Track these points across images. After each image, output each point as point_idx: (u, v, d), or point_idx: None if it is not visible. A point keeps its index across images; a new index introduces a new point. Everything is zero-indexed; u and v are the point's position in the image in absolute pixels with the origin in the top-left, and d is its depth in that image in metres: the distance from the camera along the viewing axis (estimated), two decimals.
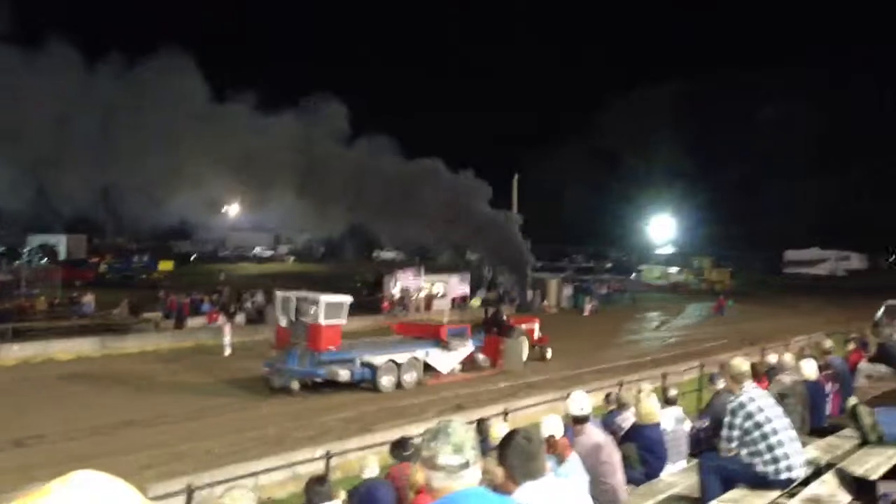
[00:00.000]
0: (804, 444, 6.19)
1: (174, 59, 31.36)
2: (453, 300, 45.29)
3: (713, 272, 67.34)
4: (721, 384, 9.99)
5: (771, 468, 5.37)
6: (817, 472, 5.76)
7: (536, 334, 28.82)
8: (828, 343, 12.53)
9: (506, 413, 13.63)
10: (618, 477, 6.52)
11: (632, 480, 7.01)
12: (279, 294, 25.16)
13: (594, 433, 6.77)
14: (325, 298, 23.03)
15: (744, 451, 5.51)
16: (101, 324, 31.13)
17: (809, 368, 9.81)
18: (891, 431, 6.18)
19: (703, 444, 8.89)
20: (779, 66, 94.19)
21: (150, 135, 29.83)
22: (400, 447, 8.15)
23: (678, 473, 7.21)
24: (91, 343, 27.57)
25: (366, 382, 21.79)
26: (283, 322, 23.48)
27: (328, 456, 10.74)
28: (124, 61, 30.83)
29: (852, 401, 7.48)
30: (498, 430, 8.05)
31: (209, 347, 29.31)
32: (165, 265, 54.29)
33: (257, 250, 70.94)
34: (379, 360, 22.14)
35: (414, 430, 11.52)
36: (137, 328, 31.54)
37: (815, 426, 8.64)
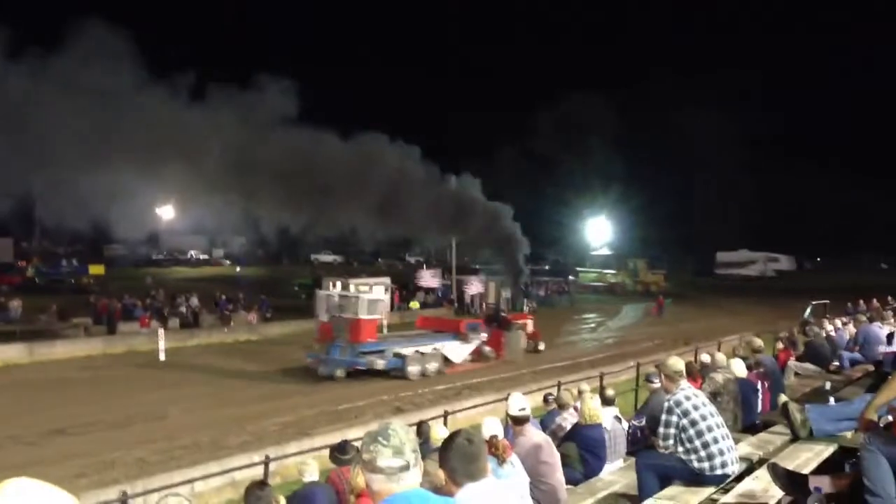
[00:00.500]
0: (737, 441, 6.32)
1: (104, 41, 29.68)
2: (392, 302, 45.31)
3: (648, 274, 68.61)
4: (657, 383, 10.16)
5: (706, 465, 5.47)
6: (750, 468, 5.89)
7: (530, 329, 31.92)
8: (758, 342, 12.81)
9: (446, 415, 13.61)
10: (557, 476, 6.57)
11: (571, 480, 7.07)
12: (321, 292, 29.01)
13: (534, 434, 6.81)
14: (366, 296, 26.87)
15: (679, 449, 5.60)
16: (28, 330, 30.18)
17: (739, 367, 10.05)
18: (819, 427, 6.35)
19: (640, 443, 9.03)
20: (711, 72, 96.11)
21: (74, 128, 28.36)
22: (340, 451, 8.08)
23: (616, 472, 7.30)
24: (18, 350, 26.79)
25: (396, 371, 24.45)
26: (325, 317, 26.61)
27: (267, 461, 10.57)
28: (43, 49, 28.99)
29: (782, 398, 7.68)
30: (438, 432, 8.04)
31: (142, 353, 28.73)
32: (96, 269, 52.87)
33: (192, 254, 69.62)
34: (407, 351, 25.19)
35: (354, 434, 11.45)
36: (66, 334, 30.67)
37: (747, 423, 8.84)
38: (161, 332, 29.07)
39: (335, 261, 76.35)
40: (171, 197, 48.60)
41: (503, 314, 31.95)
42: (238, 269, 69.78)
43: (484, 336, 28.95)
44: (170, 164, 30.42)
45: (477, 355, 28.39)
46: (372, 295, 27.56)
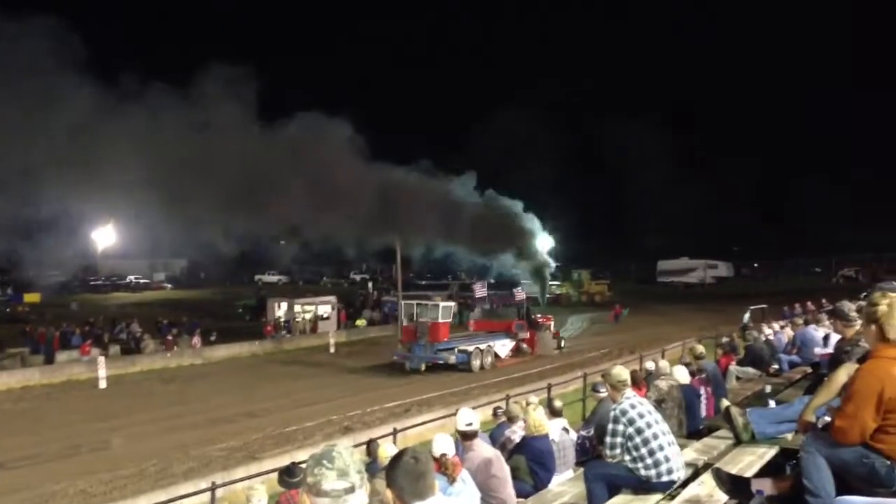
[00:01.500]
0: (682, 447, 6.42)
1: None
2: (339, 321, 45.12)
3: (592, 284, 69.31)
4: (603, 393, 10.26)
5: (653, 472, 5.54)
6: (695, 473, 5.98)
7: (552, 329, 37.00)
8: (700, 348, 13.03)
9: (395, 433, 13.54)
10: (508, 490, 6.57)
11: (521, 493, 7.07)
12: (405, 302, 34.47)
13: (483, 448, 6.80)
14: (443, 304, 33.03)
15: (627, 457, 5.66)
16: None
17: (682, 374, 10.21)
18: (761, 430, 6.47)
19: (588, 453, 9.10)
20: (647, 81, 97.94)
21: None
22: (288, 474, 7.97)
23: (566, 483, 7.32)
24: None
25: (463, 365, 29.43)
26: (406, 322, 32.56)
27: (213, 488, 10.38)
28: None
29: (725, 403, 7.80)
30: (387, 451, 8.00)
31: (82, 381, 28.01)
32: (31, 297, 51.49)
33: (132, 278, 68.02)
34: (470, 348, 30.40)
35: (302, 456, 11.30)
36: (2, 365, 29.70)
37: (691, 429, 8.98)
38: (101, 359, 28.38)
39: (280, 281, 75.43)
40: (109, 218, 47.56)
41: (536, 316, 37.13)
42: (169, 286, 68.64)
43: (524, 335, 34.40)
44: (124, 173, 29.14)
45: (515, 351, 33.58)
46: (447, 303, 33.92)
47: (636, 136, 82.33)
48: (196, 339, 36.65)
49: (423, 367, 29.84)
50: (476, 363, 29.99)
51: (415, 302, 33.94)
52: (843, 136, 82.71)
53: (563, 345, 36.08)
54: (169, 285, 70.83)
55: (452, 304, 35.56)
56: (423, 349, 30.28)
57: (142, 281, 68.13)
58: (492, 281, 71.49)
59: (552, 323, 37.32)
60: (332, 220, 37.13)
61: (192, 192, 31.64)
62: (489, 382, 26.12)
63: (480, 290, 47.94)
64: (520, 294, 44.53)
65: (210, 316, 44.87)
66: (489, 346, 31.57)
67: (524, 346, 34.25)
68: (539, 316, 37.71)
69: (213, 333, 38.24)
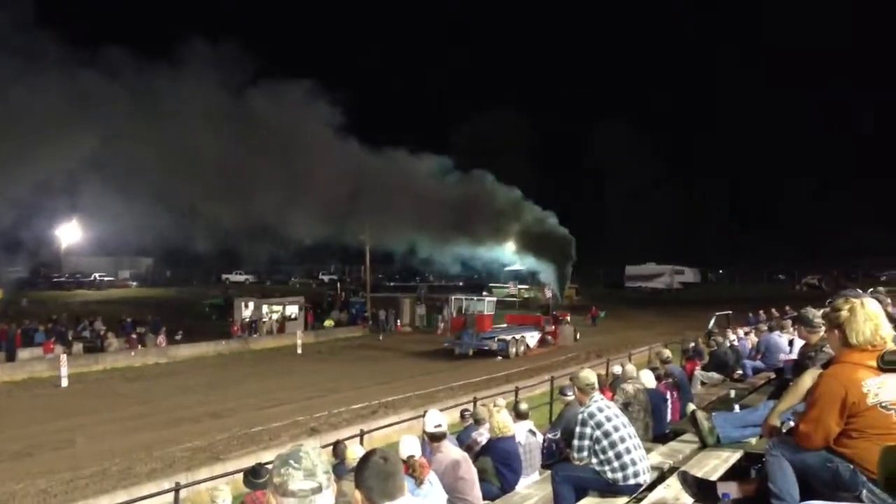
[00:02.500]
0: (648, 451, 6.46)
1: None
2: (306, 321, 44.95)
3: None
4: (570, 396, 10.31)
5: (619, 475, 5.57)
6: (661, 476, 6.01)
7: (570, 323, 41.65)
8: (667, 353, 13.17)
9: (362, 434, 13.48)
10: (475, 492, 6.57)
11: (488, 495, 7.08)
12: (454, 297, 41.67)
13: (451, 450, 6.80)
14: (488, 299, 40.71)
15: (594, 460, 5.68)
16: None
17: (649, 378, 10.30)
18: (726, 434, 6.53)
19: (555, 456, 9.13)
20: (620, 86, 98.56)
21: None
22: (253, 474, 7.90)
23: (533, 485, 7.33)
24: None
25: (502, 352, 33.90)
26: (455, 314, 39.26)
27: (177, 488, 10.25)
28: None
29: (691, 407, 7.87)
30: (354, 452, 7.96)
31: (44, 379, 27.56)
32: None
33: (96, 276, 66.94)
34: (508, 337, 35.17)
35: (268, 457, 11.20)
36: None
37: (657, 432, 9.05)
38: (64, 357, 27.93)
39: (247, 280, 74.74)
40: (73, 214, 46.81)
41: (556, 312, 41.75)
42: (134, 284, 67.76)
43: (550, 328, 39.12)
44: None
45: (541, 342, 37.83)
46: (491, 299, 41.49)
47: (609, 140, 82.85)
48: (161, 338, 36.22)
49: (470, 353, 34.35)
50: (513, 350, 34.67)
51: (463, 297, 41.42)
52: (814, 143, 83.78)
53: (578, 337, 40.65)
54: (134, 283, 69.85)
55: (495, 299, 42.79)
56: (470, 337, 35.13)
57: (106, 278, 67.08)
58: (461, 283, 71.68)
59: (568, 318, 42.19)
60: (300, 202, 36.91)
61: (159, 176, 31.15)
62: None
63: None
64: (548, 292, 51.14)
65: (176, 315, 44.32)
66: (522, 336, 36.45)
67: (549, 337, 38.74)
68: (558, 312, 42.48)
69: (179, 332, 37.83)
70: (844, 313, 3.72)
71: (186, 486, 11.25)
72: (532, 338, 37.24)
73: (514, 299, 69.03)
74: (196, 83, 33.89)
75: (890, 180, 70.21)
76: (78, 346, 33.89)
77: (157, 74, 33.21)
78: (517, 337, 35.87)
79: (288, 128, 37.67)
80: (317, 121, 39.50)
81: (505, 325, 38.39)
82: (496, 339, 34.83)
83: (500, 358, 33.44)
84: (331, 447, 10.71)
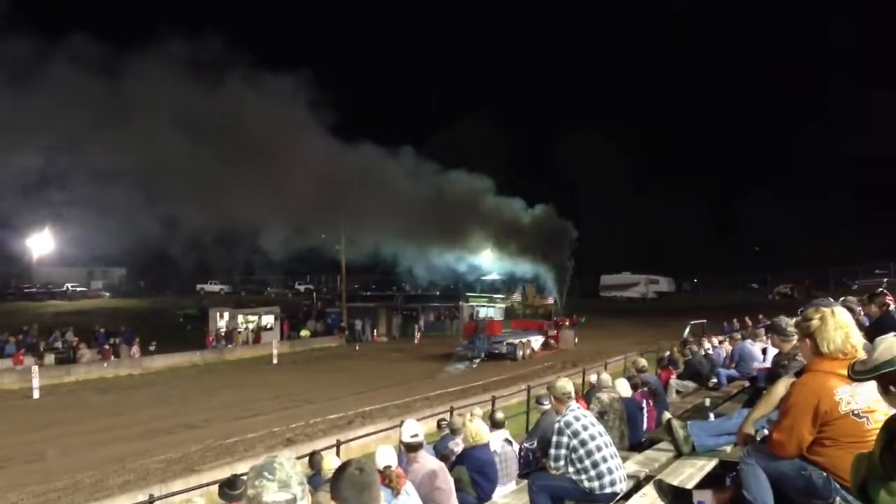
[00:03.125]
0: (624, 459, 6.48)
1: None
2: (282, 331, 44.77)
3: (537, 298, 69.84)
4: (547, 405, 10.33)
5: (596, 484, 5.58)
6: (637, 485, 6.04)
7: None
8: (642, 362, 13.24)
9: (339, 444, 13.41)
10: (452, 502, 6.56)
11: None
12: (466, 304, 46.73)
13: (428, 460, 6.79)
14: (498, 305, 45.33)
15: (571, 469, 5.69)
16: None
17: (624, 387, 10.35)
18: (701, 443, 6.57)
19: (532, 465, 9.13)
20: (593, 97, 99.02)
21: None
22: (229, 486, 7.83)
23: (509, 494, 7.33)
24: None
25: (510, 355, 36.64)
26: (468, 320, 42.67)
27: (151, 500, 10.13)
28: None
29: (666, 415, 7.91)
30: (330, 463, 7.92)
31: (14, 391, 27.19)
32: None
33: (68, 286, 66.05)
34: (516, 341, 37.97)
35: (244, 468, 11.12)
36: None
37: (633, 441, 9.08)
38: (35, 368, 27.57)
39: (222, 290, 74.13)
40: (45, 223, 46.21)
41: (556, 318, 45.51)
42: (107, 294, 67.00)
43: (553, 332, 42.22)
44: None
45: (544, 346, 40.76)
46: (500, 305, 45.76)
47: (583, 151, 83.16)
48: (135, 349, 35.87)
49: (483, 356, 36.75)
50: (520, 353, 37.39)
51: (475, 304, 45.20)
52: (784, 154, 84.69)
53: (576, 340, 43.03)
54: (107, 294, 68.98)
55: (504, 305, 47.12)
56: (482, 342, 37.64)
57: (79, 289, 66.26)
58: (437, 293, 71.64)
59: (568, 322, 45.31)
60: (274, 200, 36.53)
61: (132, 177, 30.59)
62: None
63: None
64: (549, 299, 55.22)
65: (150, 325, 43.89)
66: (528, 340, 39.27)
67: (551, 341, 41.64)
68: (559, 318, 45.99)
69: (153, 343, 37.46)
70: (815, 322, 3.77)
71: (160, 498, 11.12)
72: (536, 342, 40.16)
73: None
74: (168, 80, 33.44)
75: (855, 190, 71.32)
76: (50, 358, 33.44)
77: (126, 73, 32.63)
78: (524, 341, 38.62)
79: (262, 124, 37.34)
80: (292, 117, 39.21)
81: (511, 330, 41.29)
82: (505, 343, 37.58)
83: (509, 361, 35.99)
84: (307, 458, 10.65)
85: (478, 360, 36.48)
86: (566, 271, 55.17)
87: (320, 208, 40.74)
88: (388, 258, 50.51)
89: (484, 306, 44.27)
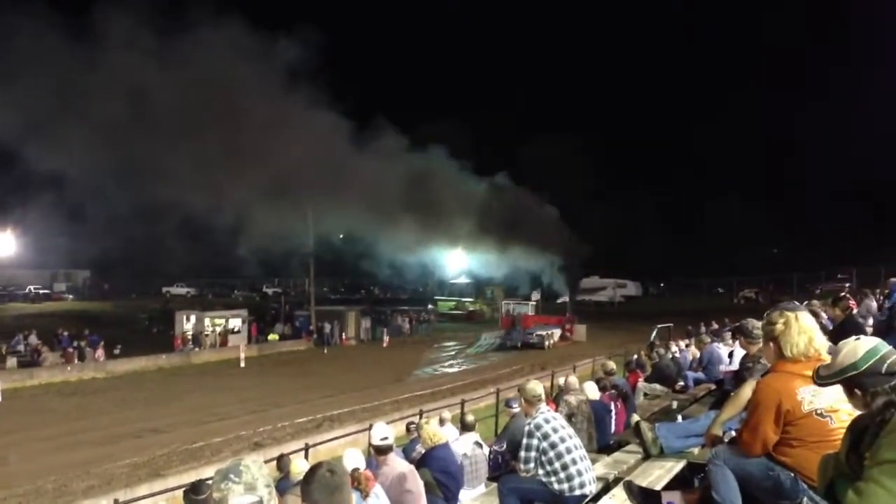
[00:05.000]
0: (594, 461, 6.52)
1: None
2: (250, 334, 44.45)
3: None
4: (516, 408, 10.36)
5: (566, 486, 5.61)
6: (606, 486, 6.07)
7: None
8: (611, 365, 13.33)
9: (307, 448, 13.33)
10: None
11: None
12: (503, 302, 57.19)
13: (397, 463, 6.76)
14: (531, 303, 54.20)
15: (540, 471, 5.71)
16: None
17: (592, 389, 10.42)
18: (669, 444, 6.62)
19: (501, 468, 9.14)
20: (558, 99, 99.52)
21: None
22: (194, 491, 7.72)
23: (479, 497, 7.35)
24: None
25: (539, 344, 44.37)
26: (504, 315, 52.74)
27: None
28: None
29: (634, 417, 7.98)
30: (299, 466, 7.87)
31: None
32: None
33: (31, 288, 64.93)
34: (543, 332, 46.02)
35: (211, 472, 11.00)
36: None
37: (602, 443, 9.14)
38: None
39: (188, 293, 73.33)
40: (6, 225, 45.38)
41: (569, 314, 53.01)
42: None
43: (568, 326, 49.83)
44: None
45: (562, 338, 47.83)
46: (532, 302, 54.51)
47: (549, 154, 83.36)
48: (99, 352, 35.34)
49: (519, 345, 44.38)
50: (547, 343, 45.25)
51: (512, 302, 55.20)
52: (751, 158, 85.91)
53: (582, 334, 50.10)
54: (70, 296, 67.97)
55: (534, 302, 54.98)
56: (518, 333, 46.02)
57: (41, 291, 65.20)
58: (405, 297, 71.48)
59: (576, 319, 52.26)
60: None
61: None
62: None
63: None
64: (565, 298, 60.16)
65: (114, 328, 43.28)
66: (551, 332, 46.91)
67: (568, 333, 49.24)
68: (570, 314, 53.43)
69: (118, 346, 36.94)
70: (779, 327, 3.82)
71: (125, 503, 10.97)
72: (556, 334, 47.62)
73: (459, 312, 69.35)
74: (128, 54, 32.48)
75: (819, 196, 72.68)
76: (12, 361, 32.81)
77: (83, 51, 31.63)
78: (549, 332, 46.45)
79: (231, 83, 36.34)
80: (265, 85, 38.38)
81: (538, 325, 48.32)
82: (535, 334, 45.32)
83: (539, 349, 43.38)
84: (274, 461, 10.57)
85: (517, 346, 44.18)
86: (573, 271, 59.32)
87: (287, 195, 40.08)
88: (356, 246, 50.56)
89: (518, 304, 53.90)
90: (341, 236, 52.29)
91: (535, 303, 56.79)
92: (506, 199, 51.93)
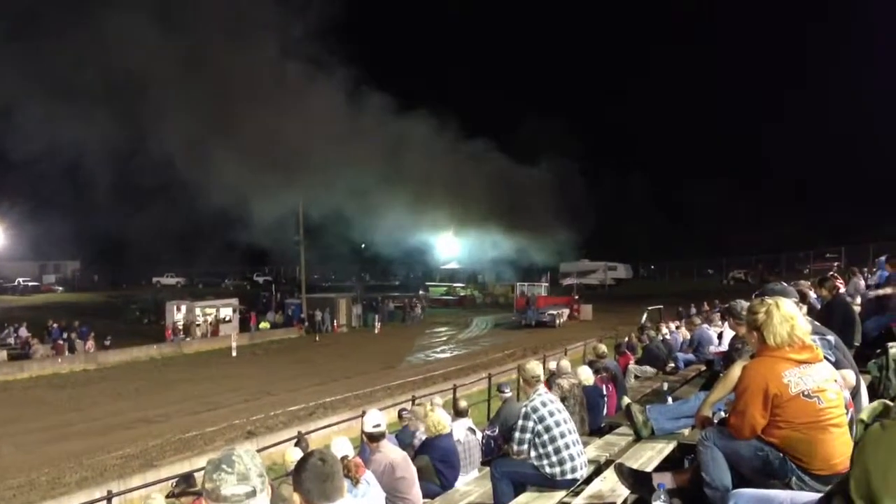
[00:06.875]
0: (585, 444, 6.54)
1: None
2: (241, 322, 44.43)
3: (496, 286, 70.05)
4: (508, 393, 10.40)
5: (557, 469, 5.63)
6: (598, 469, 6.10)
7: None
8: (602, 348, 13.38)
9: (300, 436, 13.33)
10: (414, 491, 6.57)
11: (428, 493, 7.08)
12: (518, 284, 57.89)
13: (390, 450, 6.78)
14: (544, 284, 57.49)
15: (533, 454, 5.73)
16: None
17: (585, 373, 10.46)
18: (660, 426, 6.66)
19: (493, 452, 9.19)
20: (544, 83, 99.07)
21: None
22: (186, 482, 7.74)
23: (472, 482, 7.37)
24: None
25: (551, 323, 47.14)
26: (519, 296, 54.74)
27: (109, 496, 9.98)
28: None
29: (626, 400, 8.01)
30: (291, 455, 7.87)
31: None
32: None
33: (20, 280, 64.59)
34: (555, 312, 49.03)
35: (202, 463, 11.00)
36: None
37: (593, 426, 9.18)
38: None
39: (178, 283, 73.08)
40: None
41: (576, 295, 56.30)
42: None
43: (575, 306, 52.69)
44: None
45: (570, 317, 50.63)
46: (545, 284, 57.99)
47: (533, 134, 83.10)
48: (90, 344, 35.25)
49: (533, 323, 47.21)
50: (558, 321, 48.08)
51: (526, 284, 57.60)
52: (740, 139, 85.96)
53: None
54: (60, 288, 67.68)
55: (547, 284, 58.64)
56: (533, 312, 48.70)
57: (31, 283, 64.89)
58: (397, 283, 71.41)
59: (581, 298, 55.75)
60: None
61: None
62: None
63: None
64: (572, 280, 66.85)
65: (105, 319, 43.16)
66: (562, 312, 50.08)
67: (575, 313, 51.84)
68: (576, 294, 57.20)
69: (108, 337, 36.85)
70: (761, 316, 3.83)
71: (119, 494, 10.97)
72: (565, 313, 50.43)
73: (451, 297, 69.43)
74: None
75: (806, 176, 72.95)
76: (2, 354, 32.71)
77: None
78: (559, 312, 49.51)
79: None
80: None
81: (548, 304, 51.66)
82: (547, 313, 48.41)
83: (550, 327, 46.15)
84: (268, 450, 10.59)
85: (531, 324, 46.83)
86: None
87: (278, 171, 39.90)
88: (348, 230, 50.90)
89: (531, 285, 57.06)
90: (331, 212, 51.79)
91: (547, 284, 59.91)
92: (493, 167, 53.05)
